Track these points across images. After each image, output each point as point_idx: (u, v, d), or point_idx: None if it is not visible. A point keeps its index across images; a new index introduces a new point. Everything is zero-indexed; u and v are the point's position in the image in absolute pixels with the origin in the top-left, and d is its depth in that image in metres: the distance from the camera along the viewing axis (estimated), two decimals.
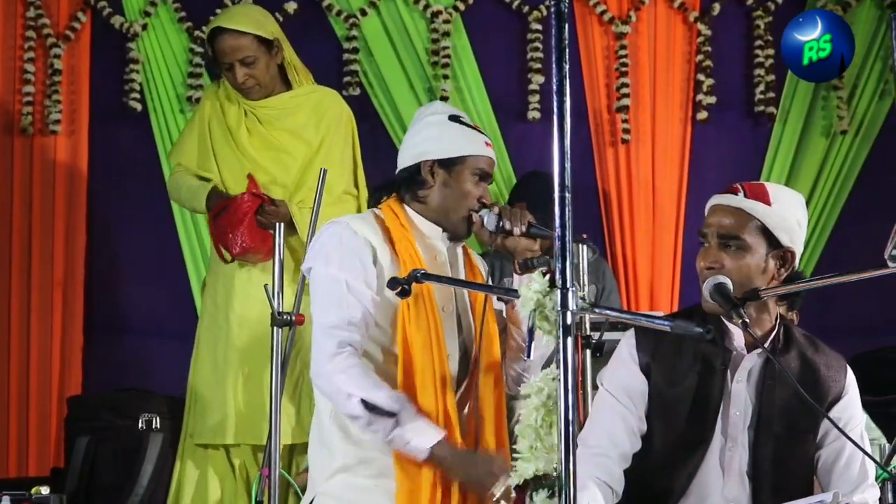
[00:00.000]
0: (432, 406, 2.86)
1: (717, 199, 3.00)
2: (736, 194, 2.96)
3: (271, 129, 4.51)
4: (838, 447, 2.97)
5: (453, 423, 2.87)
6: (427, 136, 3.06)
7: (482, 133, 3.12)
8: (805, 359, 2.99)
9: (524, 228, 2.93)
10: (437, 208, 3.03)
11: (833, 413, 2.94)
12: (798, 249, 2.97)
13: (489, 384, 3.00)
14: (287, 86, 4.56)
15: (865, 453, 2.92)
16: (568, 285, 2.14)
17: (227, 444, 4.37)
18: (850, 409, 3.00)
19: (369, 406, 2.81)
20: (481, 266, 3.20)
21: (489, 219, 2.98)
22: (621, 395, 2.97)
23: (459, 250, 3.11)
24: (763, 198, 2.94)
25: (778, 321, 3.00)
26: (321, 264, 2.94)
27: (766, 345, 2.95)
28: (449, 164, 3.02)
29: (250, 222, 4.32)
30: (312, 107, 4.54)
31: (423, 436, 2.80)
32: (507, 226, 2.94)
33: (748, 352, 2.96)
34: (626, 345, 3.04)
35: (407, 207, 3.05)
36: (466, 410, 2.98)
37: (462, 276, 3.08)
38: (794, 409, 2.96)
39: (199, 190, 4.50)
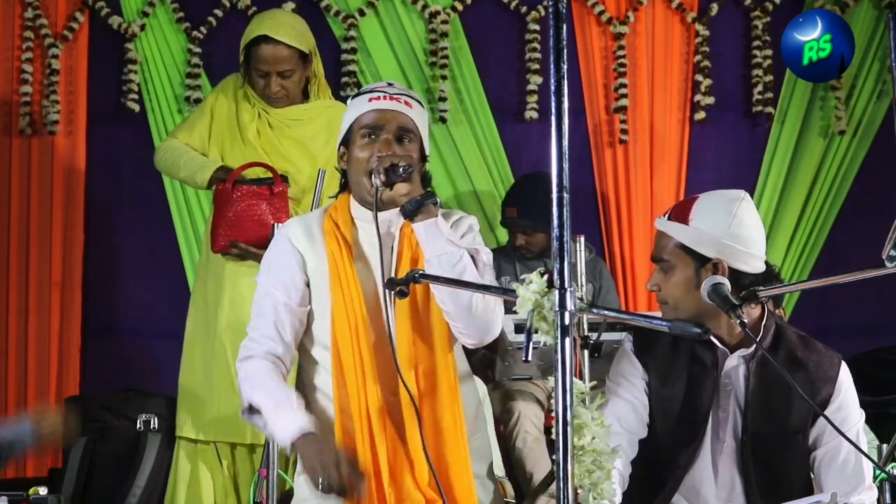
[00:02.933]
0: (355, 398, 2.85)
1: (655, 223, 3.10)
2: (665, 216, 3.05)
3: (280, 136, 4.49)
4: (834, 448, 2.99)
5: (372, 418, 2.85)
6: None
7: (372, 91, 2.97)
8: (793, 359, 3.00)
9: (383, 177, 2.82)
10: (355, 187, 2.97)
11: (826, 413, 2.96)
12: (732, 256, 2.96)
13: (408, 363, 2.89)
14: (305, 97, 4.57)
15: (862, 452, 2.94)
16: (566, 285, 2.14)
17: (210, 440, 4.38)
18: (845, 410, 3.01)
19: (246, 409, 2.89)
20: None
21: (374, 175, 2.88)
22: (628, 385, 3.06)
23: (396, 228, 2.96)
24: (683, 217, 3.01)
25: (765, 322, 3.01)
26: (261, 272, 3.02)
27: (751, 349, 2.99)
28: (346, 143, 2.98)
29: (237, 215, 4.31)
30: (325, 121, 4.52)
31: (282, 431, 2.81)
32: (376, 181, 2.84)
33: (730, 353, 3.01)
34: (627, 341, 3.14)
35: (351, 196, 3.01)
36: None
37: (395, 252, 2.94)
38: (781, 409, 3.00)
39: (207, 164, 4.44)
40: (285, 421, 2.80)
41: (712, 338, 3.01)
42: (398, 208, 2.86)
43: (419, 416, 2.83)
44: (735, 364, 3.02)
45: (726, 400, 3.01)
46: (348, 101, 3.04)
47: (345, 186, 3.05)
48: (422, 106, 3.01)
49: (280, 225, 3.08)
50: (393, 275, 2.90)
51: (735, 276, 2.96)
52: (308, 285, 2.95)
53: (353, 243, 2.94)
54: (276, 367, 2.92)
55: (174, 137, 4.61)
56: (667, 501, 3.04)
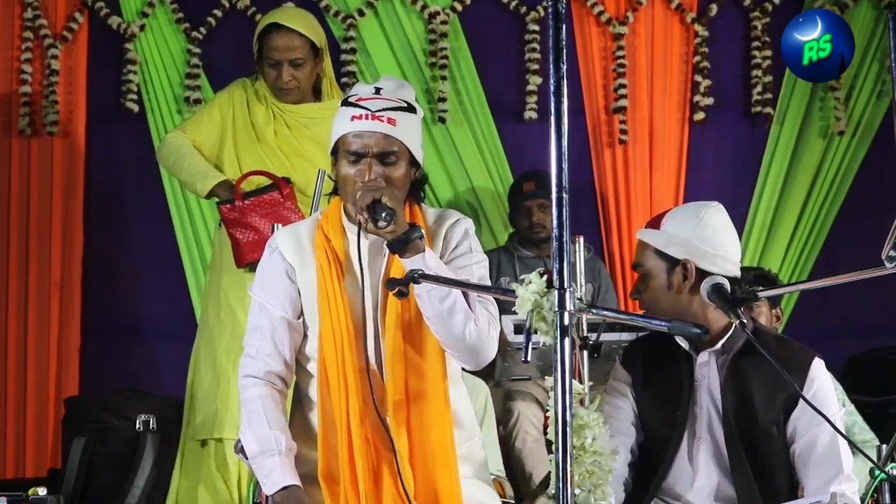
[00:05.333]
0: (339, 412, 2.85)
1: None
2: (644, 227, 3.20)
3: (299, 136, 4.49)
4: (810, 440, 3.04)
5: (353, 438, 2.84)
6: None
7: (358, 106, 2.88)
8: (765, 357, 3.02)
9: (365, 214, 2.77)
10: (344, 200, 2.94)
11: (798, 408, 3.03)
12: (699, 257, 3.07)
13: (397, 373, 2.88)
14: (316, 97, 4.57)
15: (843, 436, 3.00)
16: (565, 286, 2.15)
17: (224, 437, 4.36)
18: (818, 402, 3.02)
19: (238, 447, 2.93)
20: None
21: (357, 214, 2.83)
22: (618, 394, 3.18)
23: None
24: (656, 223, 3.17)
25: (735, 323, 3.07)
26: (255, 284, 3.01)
27: (719, 345, 3.10)
28: (334, 154, 2.93)
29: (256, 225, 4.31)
30: None
31: (266, 481, 2.84)
32: (357, 214, 2.80)
33: (698, 352, 3.11)
34: (618, 353, 3.37)
35: (343, 203, 2.99)
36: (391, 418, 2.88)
37: (384, 268, 2.92)
38: (753, 402, 3.07)
39: (209, 174, 4.43)
40: (269, 471, 2.83)
41: (679, 340, 3.11)
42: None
43: (393, 444, 2.82)
44: (706, 360, 3.11)
45: (700, 396, 3.10)
46: (341, 108, 2.96)
47: (337, 190, 3.02)
48: (412, 111, 2.91)
49: (270, 239, 3.05)
50: (381, 290, 2.89)
51: (702, 276, 3.06)
52: (299, 295, 2.95)
53: (343, 257, 2.91)
54: (274, 393, 2.92)
55: (182, 132, 4.58)
56: (650, 500, 3.10)
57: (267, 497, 2.87)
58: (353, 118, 2.87)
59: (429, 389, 2.88)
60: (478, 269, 2.92)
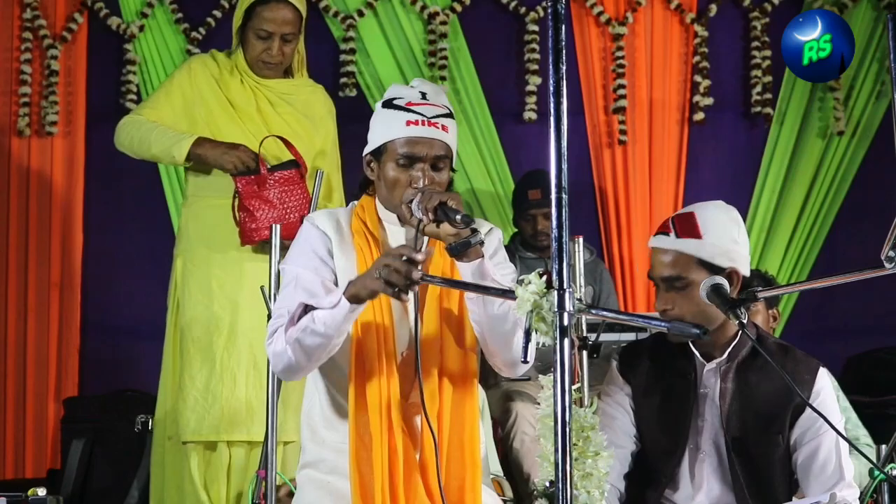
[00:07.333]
0: (376, 395, 2.83)
1: (653, 242, 3.12)
2: (668, 234, 3.08)
3: (283, 112, 4.40)
4: (813, 448, 3.04)
5: (393, 417, 2.83)
6: (369, 130, 3.01)
7: (411, 111, 2.91)
8: (771, 366, 3.02)
9: (431, 216, 2.76)
10: (384, 200, 2.96)
11: (803, 416, 3.03)
12: (741, 263, 3.06)
13: (432, 365, 2.88)
14: (284, 72, 4.49)
15: (849, 443, 3.00)
16: (565, 286, 2.14)
17: (233, 440, 4.33)
18: (823, 411, 3.02)
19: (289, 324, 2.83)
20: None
21: (415, 206, 2.82)
22: (614, 403, 3.15)
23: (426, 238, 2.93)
24: (693, 232, 3.05)
25: (741, 330, 3.05)
26: (286, 261, 2.99)
27: (725, 354, 3.07)
28: (377, 155, 2.94)
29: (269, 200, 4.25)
30: (319, 101, 4.47)
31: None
32: (418, 213, 2.79)
33: (707, 362, 3.08)
34: (614, 359, 3.24)
35: (377, 199, 3.00)
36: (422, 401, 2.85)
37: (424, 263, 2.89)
38: (758, 413, 3.06)
39: (181, 137, 4.26)
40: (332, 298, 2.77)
41: (693, 347, 3.09)
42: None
43: (434, 435, 2.81)
44: (712, 370, 3.08)
45: (704, 407, 3.08)
46: (379, 107, 2.97)
47: (365, 187, 3.03)
48: (453, 117, 2.97)
49: (305, 219, 3.04)
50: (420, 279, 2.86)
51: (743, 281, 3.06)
52: (335, 276, 2.92)
53: (381, 243, 2.93)
54: None
55: (139, 115, 4.44)
56: None
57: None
58: (408, 123, 2.90)
59: (460, 385, 2.89)
60: (512, 273, 2.94)
